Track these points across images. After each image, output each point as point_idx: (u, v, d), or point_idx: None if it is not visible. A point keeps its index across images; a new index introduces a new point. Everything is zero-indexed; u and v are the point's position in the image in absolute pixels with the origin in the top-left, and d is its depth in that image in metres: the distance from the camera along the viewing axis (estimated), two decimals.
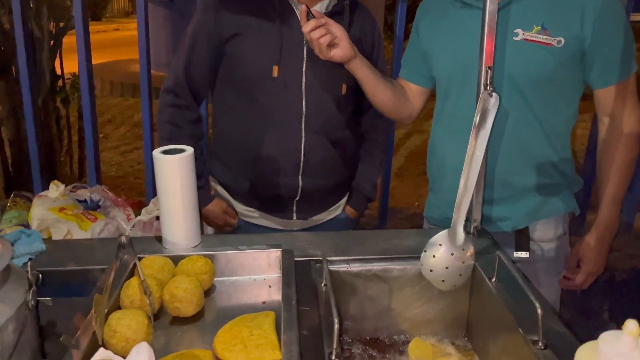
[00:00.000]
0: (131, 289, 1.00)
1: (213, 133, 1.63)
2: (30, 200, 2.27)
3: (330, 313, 0.94)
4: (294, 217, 1.56)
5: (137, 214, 2.21)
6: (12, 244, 1.16)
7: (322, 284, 1.06)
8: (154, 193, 2.59)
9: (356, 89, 1.49)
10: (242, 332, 0.94)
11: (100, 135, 5.07)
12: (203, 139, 1.63)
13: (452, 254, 1.10)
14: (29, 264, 0.92)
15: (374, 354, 1.12)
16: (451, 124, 1.40)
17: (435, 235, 1.11)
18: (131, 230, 1.86)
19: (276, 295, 1.11)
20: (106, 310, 0.95)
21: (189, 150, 1.19)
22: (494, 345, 1.05)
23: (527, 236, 1.44)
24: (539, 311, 0.85)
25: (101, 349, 0.87)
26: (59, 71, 3.53)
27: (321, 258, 1.16)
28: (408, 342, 1.16)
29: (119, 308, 1.01)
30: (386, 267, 1.14)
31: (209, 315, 1.05)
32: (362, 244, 1.25)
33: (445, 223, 1.50)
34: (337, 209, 1.65)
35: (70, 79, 3.59)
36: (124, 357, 0.87)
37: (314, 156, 1.48)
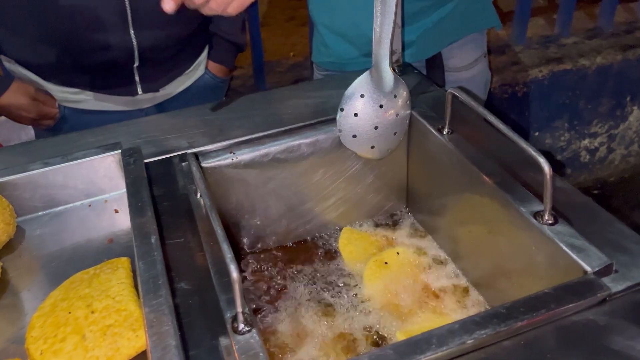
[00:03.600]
0: None
1: None
2: None
3: (217, 245, 0.56)
4: (139, 91, 1.09)
5: None
6: None
7: (197, 195, 0.66)
8: None
9: None
10: (74, 310, 0.54)
11: None
12: None
13: (381, 106, 0.74)
14: None
15: (294, 269, 0.79)
16: None
17: (353, 84, 0.73)
18: None
19: (127, 222, 0.70)
20: None
21: None
22: (453, 218, 0.77)
23: (441, 64, 1.14)
24: (546, 169, 0.54)
25: None
26: None
27: (190, 151, 0.76)
28: (334, 240, 0.85)
29: None
30: (289, 146, 0.76)
31: (16, 287, 0.62)
32: (246, 117, 0.85)
33: (343, 66, 1.15)
34: (197, 70, 1.19)
35: None
36: None
37: None
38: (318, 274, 0.78)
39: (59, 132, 1.11)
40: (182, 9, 0.78)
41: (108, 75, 1.06)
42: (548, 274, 0.58)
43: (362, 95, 0.73)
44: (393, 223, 0.87)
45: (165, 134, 0.81)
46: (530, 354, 0.47)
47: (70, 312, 0.54)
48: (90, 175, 0.73)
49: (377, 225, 0.87)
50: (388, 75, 0.74)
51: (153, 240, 0.57)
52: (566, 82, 1.86)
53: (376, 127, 0.75)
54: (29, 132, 1.35)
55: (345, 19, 1.08)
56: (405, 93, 0.76)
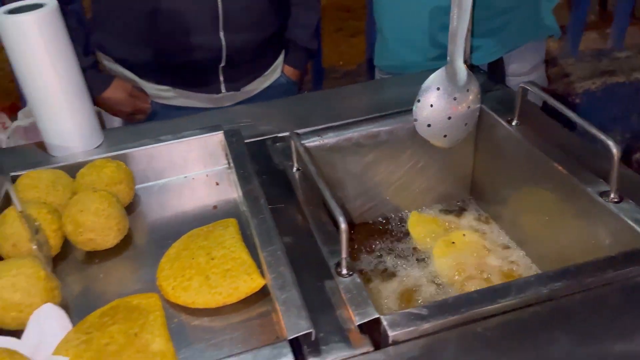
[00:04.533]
0: (9, 227, 0.64)
1: None
2: None
3: (318, 206, 0.66)
4: (223, 90, 1.20)
5: (13, 119, 1.73)
6: None
7: (294, 168, 0.76)
8: None
9: None
10: (197, 257, 0.64)
11: None
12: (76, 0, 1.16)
13: (455, 99, 0.82)
14: None
15: (373, 242, 0.87)
16: None
17: (430, 77, 0.81)
18: (8, 139, 1.44)
19: (228, 194, 0.80)
20: None
21: (51, 2, 0.77)
22: (517, 205, 0.83)
23: (502, 70, 1.21)
24: (614, 150, 0.61)
25: None
26: None
27: (280, 135, 0.85)
28: (404, 220, 0.92)
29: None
30: (370, 132, 0.85)
31: (139, 241, 0.73)
32: (326, 108, 0.94)
33: (405, 69, 1.23)
34: (274, 73, 1.30)
35: None
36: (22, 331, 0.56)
37: (235, 1, 1.09)
38: (389, 250, 0.86)
39: None
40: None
41: (196, 74, 1.17)
42: (613, 252, 0.64)
43: (437, 88, 0.81)
44: (458, 210, 0.94)
45: (253, 121, 0.91)
46: (599, 308, 0.54)
47: (193, 259, 0.64)
48: (195, 152, 0.84)
49: (442, 211, 0.94)
50: (462, 70, 0.82)
51: (262, 202, 0.67)
52: (619, 94, 1.89)
53: (449, 118, 0.83)
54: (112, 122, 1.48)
55: (412, 26, 1.17)
56: (476, 88, 0.84)
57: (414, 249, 0.86)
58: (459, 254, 0.84)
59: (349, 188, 0.89)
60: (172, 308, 0.61)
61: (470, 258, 0.83)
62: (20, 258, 0.59)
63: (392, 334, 0.50)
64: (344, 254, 0.56)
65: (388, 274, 0.81)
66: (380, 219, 0.92)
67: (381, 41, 1.26)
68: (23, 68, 0.77)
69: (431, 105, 0.82)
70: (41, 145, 0.87)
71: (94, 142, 0.86)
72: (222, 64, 1.15)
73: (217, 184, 0.83)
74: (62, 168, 0.78)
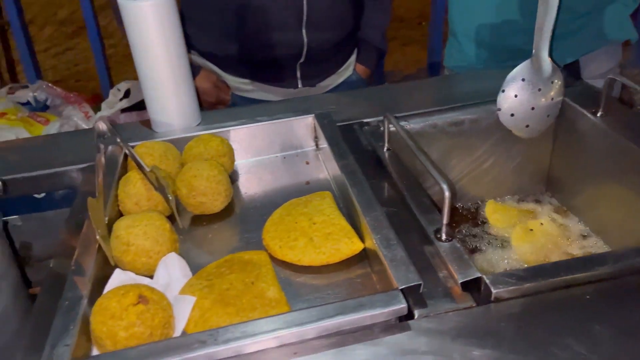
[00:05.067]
0: (132, 187, 0.72)
1: None
2: None
3: (412, 181, 0.70)
4: (299, 85, 1.27)
5: (96, 110, 1.86)
6: None
7: (385, 148, 0.81)
8: (112, 81, 2.21)
9: None
10: (299, 222, 0.70)
11: None
12: None
13: (539, 90, 0.85)
14: None
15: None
16: None
17: (515, 69, 0.85)
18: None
19: (319, 173, 0.85)
20: (106, 219, 0.67)
21: None
22: (597, 196, 0.85)
23: (577, 72, 1.22)
24: None
25: (117, 271, 0.61)
26: None
27: (366, 120, 0.90)
28: (479, 208, 0.96)
29: (119, 215, 0.74)
30: (455, 119, 0.89)
31: (241, 208, 0.79)
32: (406, 98, 0.99)
33: (476, 69, 1.28)
34: (347, 70, 1.36)
35: None
36: (150, 277, 0.62)
37: (320, 0, 1.16)
38: (467, 234, 0.90)
39: None
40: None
41: (276, 69, 1.24)
42: None
43: (522, 79, 0.85)
44: (534, 201, 0.97)
45: (338, 108, 0.97)
46: None
47: (296, 222, 0.70)
48: (288, 133, 0.90)
49: (518, 201, 0.97)
50: (547, 63, 0.85)
51: (359, 174, 0.72)
52: None
53: (532, 108, 0.86)
54: None
55: (488, 29, 1.21)
56: (560, 80, 0.87)
57: (492, 234, 0.89)
58: (537, 241, 0.86)
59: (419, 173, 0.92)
60: (278, 265, 0.67)
61: (550, 245, 0.86)
62: (148, 212, 0.66)
63: (494, 291, 0.54)
64: (445, 220, 0.60)
65: (470, 253, 0.85)
66: (457, 205, 0.95)
67: (453, 43, 1.32)
68: (140, 49, 0.86)
69: (515, 96, 0.85)
70: (145, 124, 0.96)
71: (194, 120, 0.93)
72: (301, 60, 1.22)
73: (307, 163, 0.88)
74: (167, 142, 0.86)
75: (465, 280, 0.55)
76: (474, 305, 0.55)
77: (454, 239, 0.61)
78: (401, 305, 0.51)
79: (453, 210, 0.96)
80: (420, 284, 0.54)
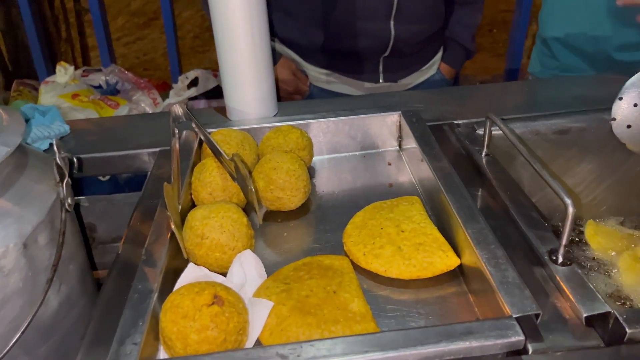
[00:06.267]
0: (208, 175, 0.67)
1: None
2: (36, 89, 1.89)
3: (516, 191, 0.62)
4: (381, 80, 1.20)
5: (164, 97, 1.85)
6: None
7: (483, 153, 0.72)
8: (181, 71, 2.22)
9: None
10: (386, 228, 0.63)
11: None
12: None
13: None
14: (54, 142, 0.59)
15: None
16: None
17: (637, 74, 0.74)
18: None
19: (401, 176, 0.78)
20: (180, 207, 0.62)
21: None
22: None
23: None
24: None
25: (191, 265, 0.56)
26: None
27: (457, 121, 0.82)
28: (579, 227, 0.85)
29: (192, 204, 0.69)
30: (562, 126, 0.79)
31: (317, 206, 0.73)
32: (502, 100, 0.90)
33: (566, 73, 1.18)
34: (431, 69, 1.27)
35: None
36: (222, 274, 0.57)
37: None
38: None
39: None
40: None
41: (359, 61, 1.17)
42: None
43: None
44: (637, 226, 0.85)
45: (426, 107, 0.89)
46: None
47: (382, 229, 0.63)
48: (370, 130, 0.83)
49: (620, 223, 0.86)
50: None
51: (457, 180, 0.64)
52: None
53: None
54: None
55: (583, 34, 1.12)
56: None
57: (594, 259, 0.79)
58: None
59: (527, 185, 0.83)
60: (360, 274, 0.60)
61: None
62: (225, 203, 0.61)
63: (629, 330, 0.45)
64: (564, 241, 0.52)
65: None
66: (553, 222, 0.86)
67: (542, 50, 1.26)
68: (224, 34, 0.81)
69: (635, 105, 0.75)
70: (220, 111, 0.91)
71: (271, 110, 0.88)
72: (386, 54, 1.15)
73: (390, 164, 0.81)
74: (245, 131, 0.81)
75: (590, 314, 0.47)
76: (601, 345, 0.46)
77: (574, 263, 0.52)
78: (518, 338, 0.43)
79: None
80: (539, 314, 0.46)
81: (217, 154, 0.67)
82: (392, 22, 1.10)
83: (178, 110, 0.81)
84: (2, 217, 0.50)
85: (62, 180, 0.57)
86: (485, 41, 4.61)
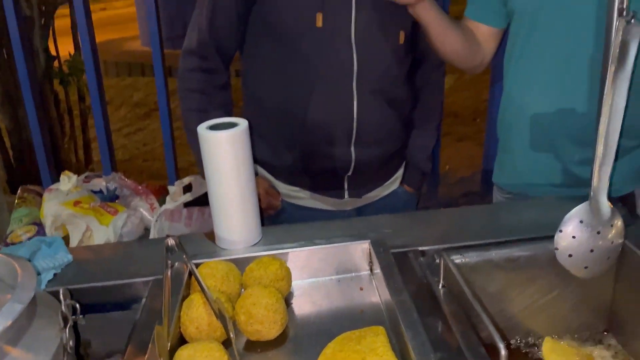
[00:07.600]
0: (195, 311, 0.75)
1: (244, 99, 1.35)
2: (40, 195, 2.01)
3: (466, 325, 0.70)
4: (346, 196, 1.31)
5: (161, 202, 1.96)
6: (31, 260, 0.92)
7: (439, 285, 0.82)
8: (177, 176, 2.35)
9: (412, 38, 1.22)
10: None
11: None
12: (232, 107, 1.35)
13: (599, 232, 0.85)
14: (60, 291, 0.68)
15: None
16: (536, 66, 1.14)
17: (573, 210, 0.85)
18: (157, 221, 1.62)
19: (372, 299, 0.87)
20: (169, 344, 0.70)
21: (243, 123, 0.93)
22: None
23: (633, 204, 1.20)
24: None
25: None
26: (53, 52, 3.24)
27: (421, 248, 0.92)
28: (535, 345, 0.93)
29: (180, 335, 0.77)
30: (511, 255, 0.89)
31: (295, 335, 0.81)
32: (461, 226, 1.00)
33: (523, 190, 1.24)
34: (394, 184, 1.39)
35: (67, 60, 3.30)
36: None
37: (369, 120, 1.22)
38: None
39: (278, 222, 1.34)
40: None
41: (324, 180, 1.29)
42: None
43: (580, 221, 0.85)
44: (594, 340, 0.93)
45: (394, 232, 0.99)
46: None
47: None
48: (344, 257, 0.93)
49: (575, 340, 0.94)
50: (605, 206, 0.85)
51: (415, 316, 0.73)
52: None
53: (592, 250, 0.86)
54: None
55: (543, 150, 1.21)
56: (620, 223, 0.86)
57: None
58: None
59: (486, 306, 0.92)
60: None
61: None
62: (208, 342, 0.69)
63: None
64: None
65: None
66: (512, 341, 0.93)
67: (505, 158, 1.30)
68: (214, 173, 0.93)
69: (573, 237, 0.85)
70: (209, 236, 1.01)
71: (255, 238, 0.98)
72: (349, 173, 1.27)
73: (362, 289, 0.90)
74: (231, 260, 0.90)
75: None
76: None
77: None
78: None
79: (507, 346, 0.93)
80: None
81: (203, 291, 0.76)
82: (352, 148, 1.22)
83: (171, 242, 0.91)
84: None
85: (65, 326, 0.65)
86: (470, 130, 4.82)
